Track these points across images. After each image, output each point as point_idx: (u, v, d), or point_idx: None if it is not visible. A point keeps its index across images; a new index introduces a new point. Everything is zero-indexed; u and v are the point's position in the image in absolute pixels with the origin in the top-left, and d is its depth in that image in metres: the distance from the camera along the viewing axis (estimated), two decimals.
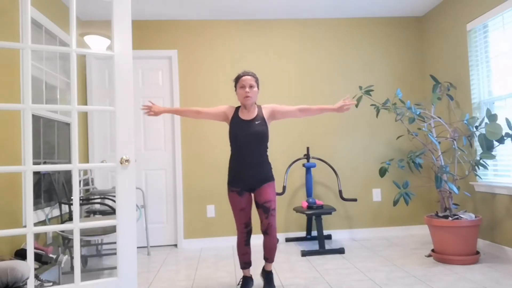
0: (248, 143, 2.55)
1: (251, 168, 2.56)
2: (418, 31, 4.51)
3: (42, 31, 3.25)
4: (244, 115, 2.61)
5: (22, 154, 2.75)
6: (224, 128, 4.25)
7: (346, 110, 2.56)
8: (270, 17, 4.31)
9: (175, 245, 4.20)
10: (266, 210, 2.58)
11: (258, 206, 2.60)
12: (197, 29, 4.28)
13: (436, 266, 3.09)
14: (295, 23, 4.39)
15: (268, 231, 2.58)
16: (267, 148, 2.64)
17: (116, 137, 2.42)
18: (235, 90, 2.64)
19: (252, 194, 2.64)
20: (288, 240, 4.17)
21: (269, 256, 2.66)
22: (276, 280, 2.89)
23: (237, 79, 2.62)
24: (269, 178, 2.61)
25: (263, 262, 3.35)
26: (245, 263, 2.67)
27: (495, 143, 3.05)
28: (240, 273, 3.11)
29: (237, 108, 2.67)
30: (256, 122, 2.57)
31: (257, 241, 4.09)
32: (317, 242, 4.04)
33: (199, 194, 4.19)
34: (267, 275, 2.69)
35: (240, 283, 2.72)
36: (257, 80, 2.62)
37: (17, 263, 1.61)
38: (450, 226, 3.11)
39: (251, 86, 2.57)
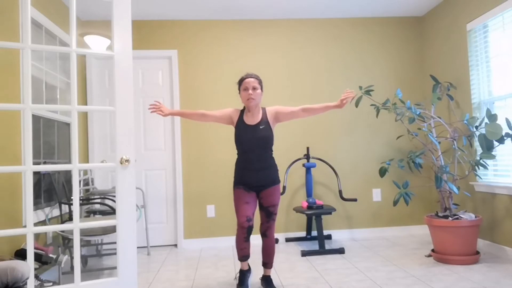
0: (253, 148, 2.57)
1: (257, 171, 2.58)
2: (418, 31, 4.51)
3: (42, 31, 3.25)
4: (249, 119, 2.62)
5: (22, 154, 2.75)
6: (224, 128, 4.25)
7: (347, 102, 2.43)
8: (270, 17, 4.31)
9: (175, 245, 4.20)
10: (269, 214, 2.60)
11: (261, 208, 2.62)
12: (197, 29, 4.28)
13: (436, 266, 3.09)
14: (295, 23, 4.39)
15: (267, 233, 2.62)
16: (272, 151, 2.66)
17: (116, 137, 2.42)
18: (239, 92, 2.65)
19: (257, 195, 2.65)
20: (288, 240, 4.17)
21: (268, 260, 2.66)
22: (276, 280, 2.89)
23: (241, 82, 2.63)
24: (275, 180, 2.63)
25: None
26: (244, 256, 2.63)
27: (495, 143, 3.05)
28: None
29: (242, 111, 2.67)
30: (261, 127, 2.58)
31: (257, 241, 4.09)
32: (317, 242, 4.04)
33: (199, 194, 4.19)
34: (267, 280, 2.70)
35: (237, 277, 2.69)
36: (260, 82, 2.62)
37: (17, 263, 1.61)
38: (450, 226, 3.11)
39: (254, 88, 2.57)
